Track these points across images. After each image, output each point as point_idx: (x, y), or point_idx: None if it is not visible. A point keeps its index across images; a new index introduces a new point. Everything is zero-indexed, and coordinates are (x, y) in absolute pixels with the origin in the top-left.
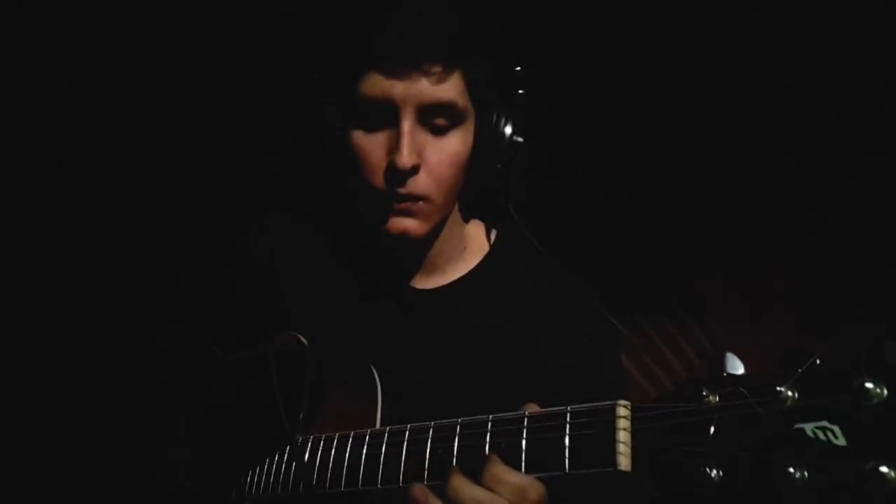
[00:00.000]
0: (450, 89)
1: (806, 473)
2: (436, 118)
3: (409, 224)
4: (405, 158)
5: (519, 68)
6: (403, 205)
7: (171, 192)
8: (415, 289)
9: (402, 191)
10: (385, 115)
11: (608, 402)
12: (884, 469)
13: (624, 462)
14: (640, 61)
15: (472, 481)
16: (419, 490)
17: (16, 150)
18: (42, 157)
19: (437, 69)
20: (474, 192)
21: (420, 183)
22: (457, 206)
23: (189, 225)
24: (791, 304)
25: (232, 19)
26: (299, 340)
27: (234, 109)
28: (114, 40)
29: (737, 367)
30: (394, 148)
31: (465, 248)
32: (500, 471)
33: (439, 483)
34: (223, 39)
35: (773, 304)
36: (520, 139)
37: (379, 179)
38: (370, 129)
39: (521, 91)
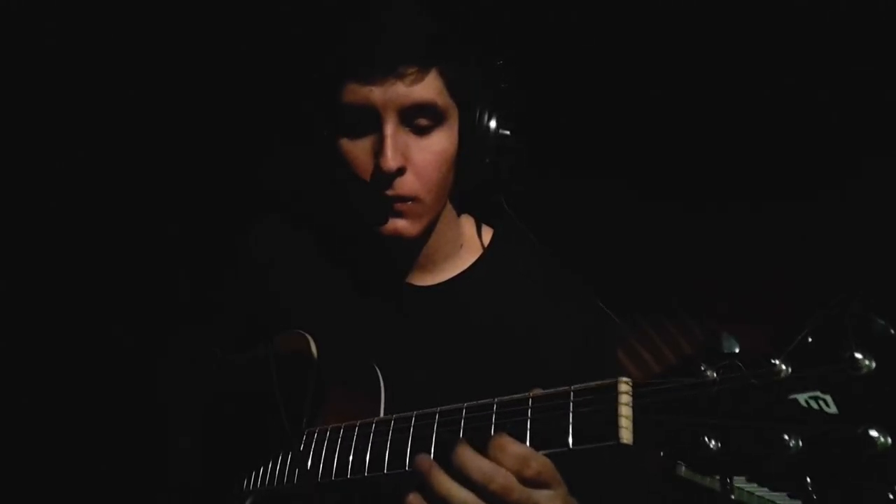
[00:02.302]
0: (428, 89)
1: (800, 440)
2: (418, 119)
3: (401, 224)
4: (389, 161)
5: (500, 62)
6: (393, 206)
7: (170, 192)
8: (413, 286)
9: (390, 193)
10: (368, 121)
11: (610, 380)
12: (873, 433)
13: (626, 436)
14: (639, 59)
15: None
16: (424, 459)
17: (15, 150)
18: (41, 157)
19: (413, 70)
20: (467, 188)
21: (407, 184)
22: (451, 204)
23: (189, 225)
24: (788, 302)
25: (226, 22)
26: (302, 338)
27: (233, 110)
28: (114, 42)
29: (733, 345)
30: (378, 152)
31: (461, 246)
32: (504, 441)
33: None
34: (222, 41)
35: (770, 303)
36: (507, 132)
37: (368, 183)
38: (355, 135)
39: (503, 84)
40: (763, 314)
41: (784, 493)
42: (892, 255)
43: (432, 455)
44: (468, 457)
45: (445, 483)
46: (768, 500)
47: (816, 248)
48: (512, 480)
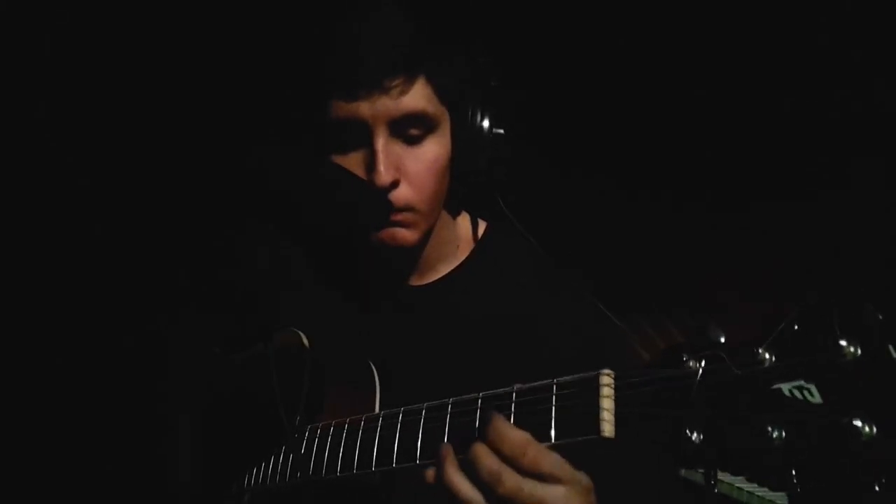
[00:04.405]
0: (416, 98)
1: (783, 432)
2: (409, 129)
3: (400, 234)
4: (383, 177)
5: (485, 61)
6: (391, 217)
7: (170, 192)
8: (410, 286)
9: (386, 206)
10: (358, 136)
11: (592, 372)
12: (858, 423)
13: (608, 429)
14: (634, 56)
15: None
16: (445, 446)
17: (12, 149)
18: (39, 157)
19: (398, 82)
20: (464, 190)
21: (403, 195)
22: (447, 205)
23: (189, 225)
24: (774, 291)
25: (212, 40)
26: (299, 337)
27: (233, 110)
28: (115, 41)
29: (717, 335)
30: (371, 166)
31: (458, 246)
32: (502, 427)
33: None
34: (222, 40)
35: (756, 293)
36: (500, 131)
37: (363, 198)
38: (346, 151)
39: (493, 83)
40: (749, 303)
41: (784, 493)
42: (877, 245)
43: (419, 451)
44: (482, 454)
45: (455, 476)
46: (769, 500)
47: (805, 239)
48: (518, 482)
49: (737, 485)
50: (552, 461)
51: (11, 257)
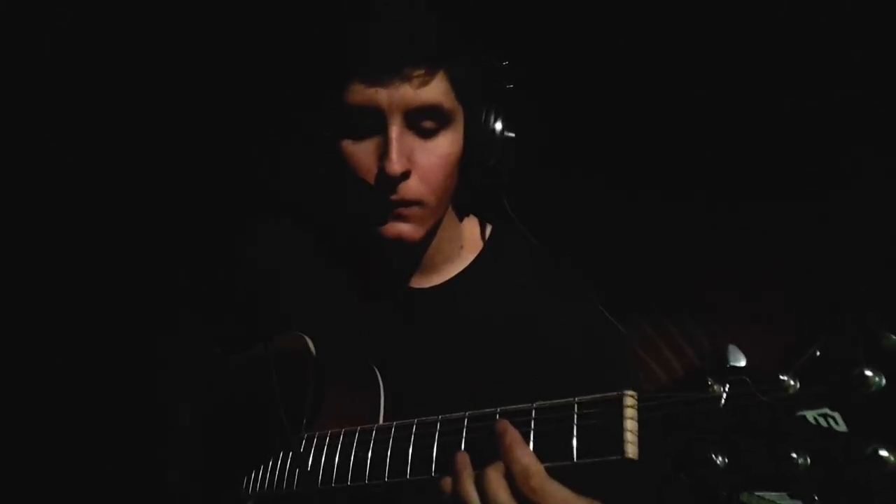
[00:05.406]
0: (434, 91)
1: (808, 459)
2: (423, 121)
3: (404, 229)
4: (395, 165)
5: (503, 63)
6: (397, 210)
7: (171, 192)
8: (413, 288)
9: (394, 197)
10: (372, 123)
11: (615, 392)
12: (883, 453)
13: (631, 450)
14: (633, 56)
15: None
16: (462, 456)
17: (12, 150)
18: (39, 157)
19: (420, 72)
20: (470, 190)
21: (412, 188)
22: (452, 205)
23: (189, 226)
24: (792, 301)
25: (229, 19)
26: (304, 340)
27: (233, 109)
28: (116, 41)
29: (739, 358)
30: (383, 155)
31: (461, 247)
32: (513, 444)
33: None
34: (223, 40)
35: (773, 302)
36: (511, 134)
37: (371, 187)
38: (359, 137)
39: (507, 86)
40: (749, 304)
41: (784, 493)
42: (877, 245)
43: (434, 465)
44: (493, 481)
45: (469, 488)
46: (768, 500)
47: (806, 239)
48: None
49: None
50: (555, 499)
51: (12, 257)
